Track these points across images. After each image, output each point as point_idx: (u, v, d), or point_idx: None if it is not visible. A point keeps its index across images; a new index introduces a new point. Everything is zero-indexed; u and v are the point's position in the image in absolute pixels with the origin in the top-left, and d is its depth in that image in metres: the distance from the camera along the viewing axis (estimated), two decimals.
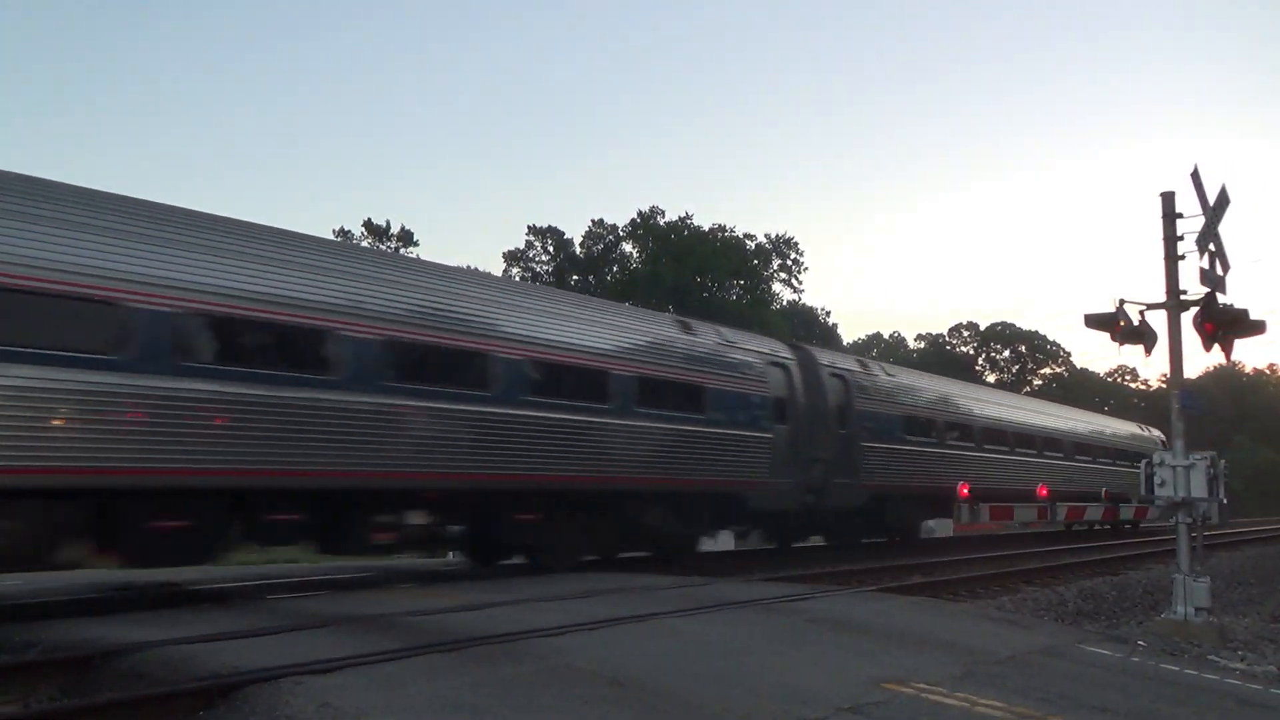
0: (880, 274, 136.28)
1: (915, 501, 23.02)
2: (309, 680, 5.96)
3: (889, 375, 23.03)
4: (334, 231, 51.73)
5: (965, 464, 24.11)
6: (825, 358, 20.68)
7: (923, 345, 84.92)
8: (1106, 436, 34.86)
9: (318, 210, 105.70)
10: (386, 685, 6.05)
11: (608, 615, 8.88)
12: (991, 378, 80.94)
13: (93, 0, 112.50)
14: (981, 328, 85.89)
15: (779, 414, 17.80)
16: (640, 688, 6.36)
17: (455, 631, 7.89)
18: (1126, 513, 30.33)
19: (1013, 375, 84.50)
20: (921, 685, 6.88)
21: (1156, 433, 38.61)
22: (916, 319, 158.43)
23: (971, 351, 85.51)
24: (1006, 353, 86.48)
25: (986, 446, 25.58)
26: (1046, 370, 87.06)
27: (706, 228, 58.28)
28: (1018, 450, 27.23)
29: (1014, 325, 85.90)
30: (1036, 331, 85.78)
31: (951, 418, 24.67)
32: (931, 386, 25.01)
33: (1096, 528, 32.14)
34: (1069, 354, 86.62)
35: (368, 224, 54.21)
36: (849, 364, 21.68)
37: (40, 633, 7.79)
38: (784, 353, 19.11)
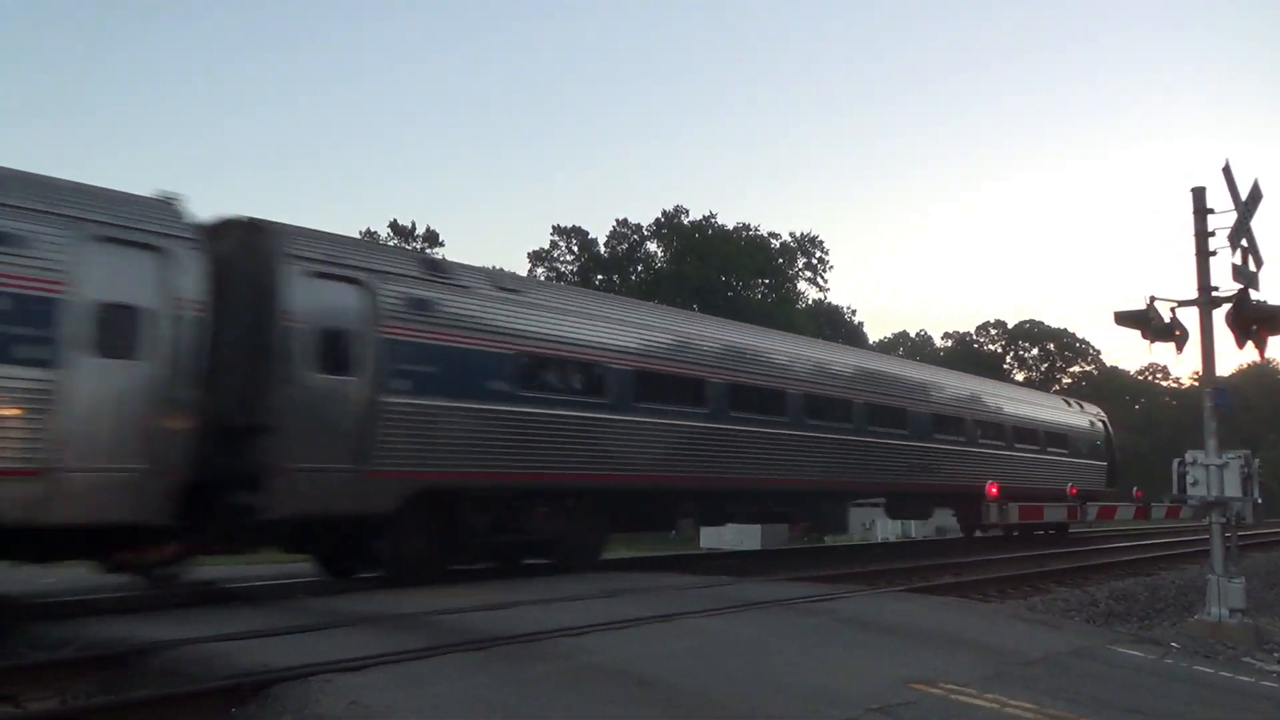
0: (907, 272, 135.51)
1: (555, 501, 13.42)
2: (338, 678, 6.01)
3: (499, 290, 13.23)
4: (360, 233, 52.15)
5: (667, 440, 14.85)
6: (313, 247, 11.33)
7: (950, 344, 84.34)
8: (1026, 416, 25.66)
9: (344, 212, 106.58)
10: (414, 683, 6.09)
11: (633, 615, 8.88)
12: (1020, 376, 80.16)
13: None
14: (1009, 326, 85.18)
15: (110, 339, 9.42)
16: (666, 687, 6.36)
17: (481, 630, 7.92)
18: (1054, 514, 24.18)
19: (1041, 374, 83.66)
20: (951, 686, 6.83)
21: (1093, 409, 30.57)
22: (944, 318, 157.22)
23: (1000, 350, 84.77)
24: (1035, 351, 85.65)
25: (742, 416, 16.19)
26: (1076, 368, 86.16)
27: (731, 227, 58.29)
28: (809, 424, 17.63)
29: (1042, 323, 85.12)
30: (1065, 329, 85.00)
31: (678, 370, 15.30)
32: (600, 311, 14.76)
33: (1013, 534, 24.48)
34: (1099, 352, 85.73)
35: (393, 225, 54.69)
36: (379, 260, 12.03)
37: (76, 630, 7.91)
38: (152, 223, 10.00)
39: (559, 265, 59.02)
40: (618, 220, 60.17)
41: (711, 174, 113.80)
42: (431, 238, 55.15)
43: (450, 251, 53.92)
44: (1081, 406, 30.05)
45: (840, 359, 20.49)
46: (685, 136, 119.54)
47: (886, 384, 20.45)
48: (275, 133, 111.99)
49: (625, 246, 59.85)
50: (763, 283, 57.90)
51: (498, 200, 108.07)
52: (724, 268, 55.39)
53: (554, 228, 59.97)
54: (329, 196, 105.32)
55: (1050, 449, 26.17)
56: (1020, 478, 23.85)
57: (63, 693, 6.48)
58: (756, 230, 58.98)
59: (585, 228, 59.91)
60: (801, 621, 9.23)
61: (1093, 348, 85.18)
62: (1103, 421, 29.85)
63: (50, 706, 6.18)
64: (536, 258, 58.93)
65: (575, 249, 59.71)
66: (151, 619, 8.54)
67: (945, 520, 29.65)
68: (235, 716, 5.70)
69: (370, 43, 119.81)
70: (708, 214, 58.52)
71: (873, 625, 9.15)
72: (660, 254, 59.31)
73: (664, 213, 59.22)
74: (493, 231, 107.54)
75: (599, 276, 57.13)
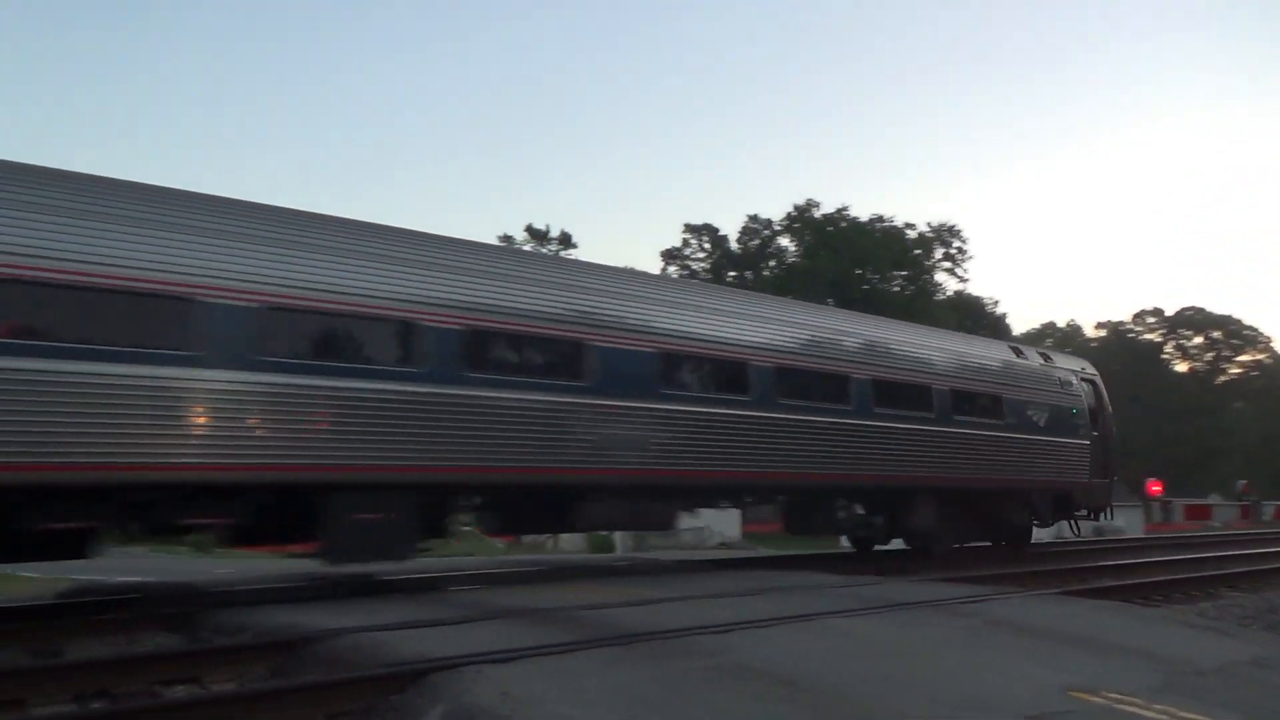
0: (1054, 258, 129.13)
1: None
2: (489, 669, 6.20)
3: None
4: (498, 237, 53.75)
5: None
6: None
7: (1104, 334, 79.90)
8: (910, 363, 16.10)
9: (484, 216, 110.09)
10: (561, 676, 6.23)
11: (776, 613, 8.82)
12: (1183, 367, 75.18)
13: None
14: (1168, 313, 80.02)
15: None
16: (811, 688, 6.29)
17: (626, 626, 8.03)
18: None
19: (1206, 364, 78.25)
20: (1114, 695, 6.48)
21: (1072, 363, 20.87)
22: (1096, 306, 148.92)
23: (1159, 339, 79.72)
24: (1198, 340, 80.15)
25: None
26: (1245, 357, 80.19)
27: (864, 218, 57.05)
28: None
29: (1205, 310, 79.55)
30: (1231, 316, 79.18)
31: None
32: None
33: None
34: (1269, 339, 79.50)
35: (529, 228, 56.09)
36: None
37: (251, 618, 8.47)
38: None
39: (691, 263, 59.17)
40: (749, 216, 59.82)
41: (843, 165, 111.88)
42: (565, 239, 56.30)
43: (583, 253, 54.90)
44: (1047, 358, 20.00)
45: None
46: (816, 129, 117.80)
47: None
48: (414, 136, 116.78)
49: (757, 242, 59.39)
50: (900, 275, 56.40)
51: (631, 201, 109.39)
52: (859, 260, 54.21)
53: (686, 226, 60.14)
54: (470, 202, 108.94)
55: (961, 417, 16.63)
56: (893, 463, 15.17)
57: (239, 676, 6.96)
58: (891, 221, 57.56)
59: (716, 224, 59.87)
60: (950, 623, 8.96)
61: (1263, 335, 79.16)
62: (1088, 381, 20.33)
63: (229, 688, 6.65)
64: (669, 256, 59.28)
65: (707, 246, 59.70)
66: (317, 608, 9.05)
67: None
68: (393, 703, 5.97)
69: (506, 47, 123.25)
70: (840, 206, 57.46)
71: (1027, 629, 8.78)
72: (793, 248, 58.61)
73: (795, 206, 58.53)
74: (627, 233, 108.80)
75: (731, 273, 56.97)
